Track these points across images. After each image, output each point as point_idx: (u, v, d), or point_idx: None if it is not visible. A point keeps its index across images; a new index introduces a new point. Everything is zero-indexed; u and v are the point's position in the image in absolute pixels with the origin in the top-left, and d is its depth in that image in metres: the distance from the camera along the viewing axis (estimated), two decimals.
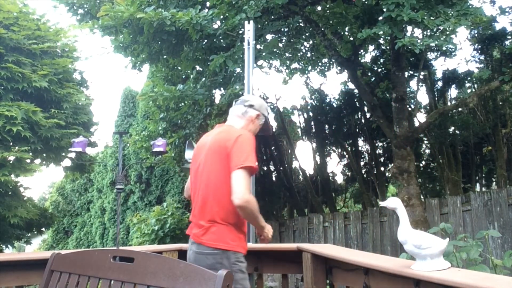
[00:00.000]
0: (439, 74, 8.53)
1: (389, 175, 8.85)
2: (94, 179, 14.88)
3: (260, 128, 2.40)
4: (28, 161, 5.81)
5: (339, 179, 11.13)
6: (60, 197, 16.55)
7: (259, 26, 5.77)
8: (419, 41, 4.63)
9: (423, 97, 20.39)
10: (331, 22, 6.93)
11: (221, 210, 2.02)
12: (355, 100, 9.20)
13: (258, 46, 5.74)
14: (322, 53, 8.49)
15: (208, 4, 5.72)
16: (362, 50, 8.28)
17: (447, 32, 4.85)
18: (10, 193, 6.15)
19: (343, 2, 6.27)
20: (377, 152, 9.28)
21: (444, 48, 7.51)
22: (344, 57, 6.61)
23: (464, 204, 5.48)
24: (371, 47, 8.50)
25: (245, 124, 2.28)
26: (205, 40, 5.60)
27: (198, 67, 6.57)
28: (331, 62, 9.06)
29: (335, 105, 9.79)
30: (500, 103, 7.96)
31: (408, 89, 7.87)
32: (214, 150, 2.07)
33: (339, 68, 8.90)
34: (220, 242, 1.99)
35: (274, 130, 9.76)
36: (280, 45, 7.45)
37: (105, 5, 5.19)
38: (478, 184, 8.64)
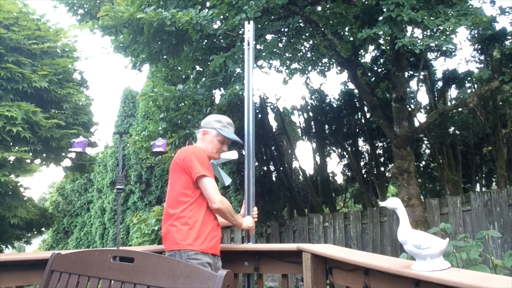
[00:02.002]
0: (439, 74, 8.54)
1: (389, 175, 8.85)
2: (94, 179, 14.88)
3: (225, 139, 2.62)
4: (28, 161, 5.82)
5: (339, 179, 11.14)
6: (60, 197, 16.55)
7: (259, 26, 5.76)
8: (419, 41, 4.63)
9: (423, 97, 20.39)
10: (331, 22, 6.93)
11: (174, 216, 2.34)
12: (355, 100, 9.20)
13: (258, 46, 5.74)
14: (322, 53, 8.49)
15: (208, 4, 5.72)
16: (362, 50, 8.28)
17: (447, 32, 4.85)
18: (10, 193, 6.16)
19: (343, 2, 6.26)
20: (377, 152, 9.27)
21: (444, 48, 7.51)
22: (344, 57, 6.61)
23: (464, 204, 5.48)
24: (371, 47, 8.50)
25: (200, 143, 2.62)
26: (205, 40, 5.60)
27: (198, 67, 6.56)
28: (331, 62, 9.05)
29: (335, 105, 9.79)
30: (500, 103, 7.96)
31: (408, 89, 7.87)
32: (172, 169, 2.48)
33: (339, 68, 8.90)
34: (173, 244, 2.30)
35: (274, 130, 9.77)
36: (280, 45, 7.45)
37: (105, 5, 5.19)
38: (478, 184, 8.63)
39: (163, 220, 2.45)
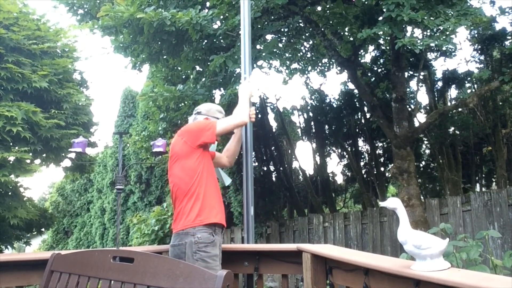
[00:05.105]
0: (439, 74, 8.53)
1: (389, 175, 8.85)
2: (94, 179, 14.89)
3: None
4: (28, 161, 5.82)
5: (339, 179, 11.14)
6: (60, 197, 16.56)
7: (259, 26, 5.76)
8: (419, 41, 4.62)
9: (423, 97, 20.40)
10: (331, 22, 6.93)
11: (182, 201, 2.32)
12: (355, 100, 9.19)
13: (258, 46, 5.74)
14: (322, 53, 8.48)
15: (208, 4, 5.72)
16: (362, 50, 8.28)
17: (447, 32, 4.85)
18: (10, 193, 6.17)
19: (343, 2, 6.26)
20: (377, 152, 9.27)
21: (444, 48, 7.50)
22: (344, 57, 6.60)
23: (464, 204, 5.48)
24: (371, 47, 8.50)
25: None
26: (205, 40, 5.60)
27: (198, 67, 6.56)
28: (331, 62, 9.05)
29: (335, 105, 9.78)
30: (500, 103, 7.96)
31: (408, 89, 7.87)
32: (170, 156, 2.46)
33: (339, 68, 8.90)
34: (180, 226, 2.28)
35: (274, 130, 9.76)
36: (280, 45, 7.45)
37: (105, 5, 5.19)
38: (478, 184, 8.63)
39: (173, 203, 2.42)
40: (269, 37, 6.71)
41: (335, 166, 14.78)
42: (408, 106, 7.19)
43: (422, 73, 7.94)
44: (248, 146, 2.83)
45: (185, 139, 2.40)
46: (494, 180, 8.76)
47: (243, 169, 2.81)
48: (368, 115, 9.05)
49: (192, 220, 2.26)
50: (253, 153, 2.89)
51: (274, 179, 9.46)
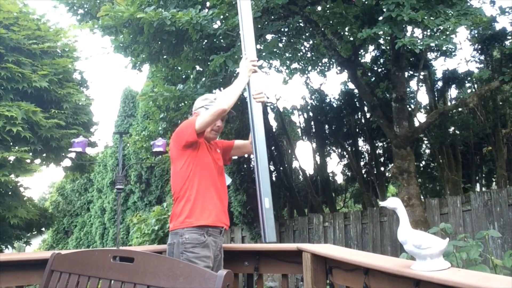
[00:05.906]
0: (439, 74, 8.54)
1: (389, 175, 8.85)
2: (94, 179, 14.89)
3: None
4: (28, 161, 5.83)
5: (339, 179, 11.15)
6: (60, 197, 16.56)
7: (259, 26, 5.76)
8: (419, 41, 4.62)
9: (423, 97, 20.41)
10: (331, 22, 6.93)
11: (175, 202, 2.36)
12: (355, 100, 9.19)
13: (258, 46, 5.74)
14: (322, 53, 8.49)
15: (208, 4, 5.72)
16: (362, 50, 8.28)
17: (447, 32, 4.85)
18: (10, 193, 6.17)
19: (343, 2, 6.26)
20: (377, 152, 9.27)
21: (444, 48, 7.51)
22: (344, 57, 6.60)
23: (464, 204, 5.48)
24: (371, 47, 8.50)
25: None
26: (205, 40, 5.60)
27: (198, 67, 6.56)
28: (331, 62, 9.05)
29: (335, 105, 9.78)
30: (500, 103, 7.96)
31: (408, 89, 7.87)
32: (170, 152, 2.46)
33: (339, 68, 8.90)
34: (172, 226, 2.30)
35: (274, 130, 9.76)
36: (280, 45, 7.44)
37: (105, 5, 5.18)
38: (478, 184, 8.63)
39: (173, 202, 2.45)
40: (269, 37, 6.72)
41: (335, 166, 14.80)
42: (408, 106, 7.19)
43: (422, 73, 7.94)
44: (254, 119, 2.44)
45: (173, 143, 2.42)
46: (494, 180, 8.76)
47: (252, 147, 2.45)
48: (368, 115, 9.06)
49: (181, 222, 2.26)
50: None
51: (274, 179, 9.45)
